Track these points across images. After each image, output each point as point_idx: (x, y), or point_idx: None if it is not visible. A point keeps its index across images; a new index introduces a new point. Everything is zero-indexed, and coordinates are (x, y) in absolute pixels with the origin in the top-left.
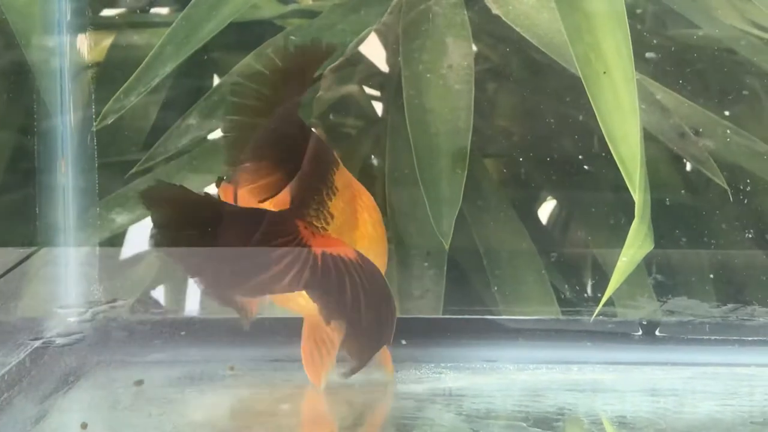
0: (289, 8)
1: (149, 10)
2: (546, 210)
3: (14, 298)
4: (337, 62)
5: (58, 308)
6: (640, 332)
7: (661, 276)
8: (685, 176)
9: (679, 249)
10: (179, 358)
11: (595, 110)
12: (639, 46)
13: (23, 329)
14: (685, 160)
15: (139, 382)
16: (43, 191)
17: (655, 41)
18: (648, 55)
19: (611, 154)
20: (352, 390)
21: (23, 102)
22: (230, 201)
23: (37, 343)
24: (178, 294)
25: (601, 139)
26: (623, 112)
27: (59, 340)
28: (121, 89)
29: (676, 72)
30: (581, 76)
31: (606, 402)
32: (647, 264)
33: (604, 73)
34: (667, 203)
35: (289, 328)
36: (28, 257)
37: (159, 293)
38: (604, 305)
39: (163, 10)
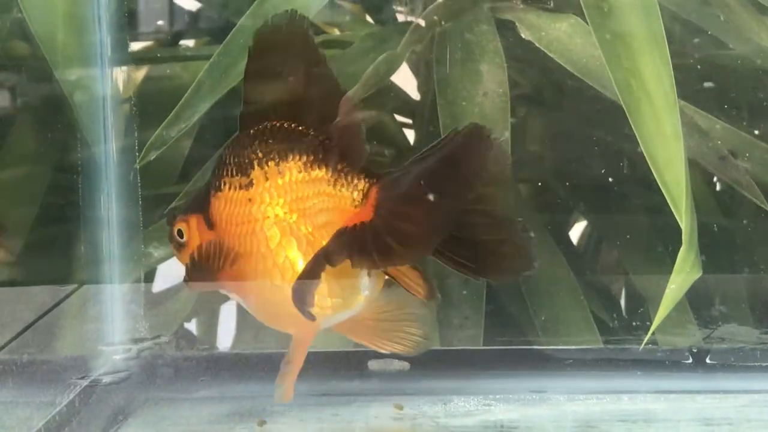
0: (321, 38)
1: (177, 42)
2: (576, 233)
3: (60, 337)
4: (354, 89)
5: (103, 346)
6: (690, 360)
7: (711, 303)
8: (718, 199)
9: (722, 274)
10: (226, 394)
11: (637, 136)
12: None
13: (70, 368)
14: (715, 182)
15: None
16: (87, 226)
17: (686, 62)
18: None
19: (643, 177)
20: (402, 422)
21: (60, 137)
22: (202, 232)
23: (85, 383)
24: (211, 328)
25: (632, 161)
26: (666, 137)
27: (106, 379)
28: (162, 125)
29: (709, 93)
30: (622, 102)
31: None
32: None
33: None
34: (712, 228)
35: (334, 362)
36: (70, 294)
37: (199, 328)
38: (640, 333)
39: (189, 42)
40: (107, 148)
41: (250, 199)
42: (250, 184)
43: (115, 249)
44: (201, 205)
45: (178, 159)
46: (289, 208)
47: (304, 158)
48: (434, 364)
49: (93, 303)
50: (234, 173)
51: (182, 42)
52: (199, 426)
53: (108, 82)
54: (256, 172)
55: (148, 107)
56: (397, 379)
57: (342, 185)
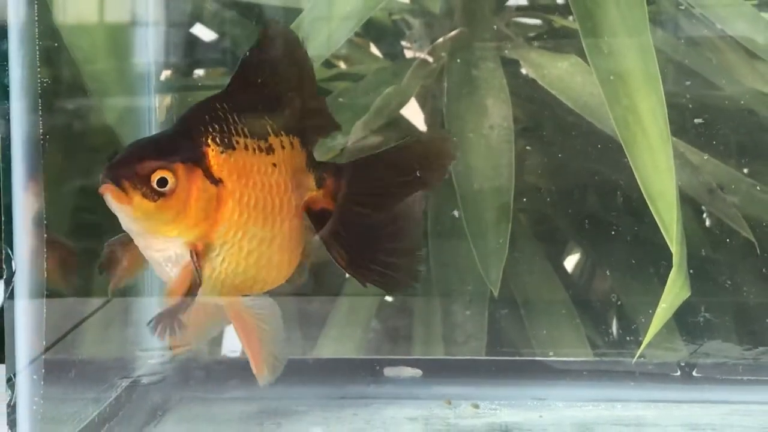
0: (334, 71)
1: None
2: (571, 262)
3: (103, 342)
4: (364, 118)
5: (140, 351)
6: (679, 373)
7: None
8: (706, 231)
9: (710, 297)
10: (254, 395)
11: (633, 168)
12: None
13: (113, 369)
14: (704, 216)
15: None
16: None
17: (679, 101)
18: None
19: (635, 210)
20: (416, 423)
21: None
22: (199, 185)
23: (127, 382)
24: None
25: (626, 194)
26: (660, 170)
27: (145, 379)
28: None
29: (700, 131)
30: (619, 137)
31: None
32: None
33: None
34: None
35: (352, 368)
36: (106, 303)
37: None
38: (632, 348)
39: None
40: None
41: (274, 164)
42: (271, 149)
43: None
44: (188, 156)
45: None
46: (293, 180)
47: (298, 135)
48: (444, 372)
49: (131, 311)
50: (250, 134)
51: (195, 71)
52: (229, 423)
53: (153, 109)
54: (273, 139)
55: None
56: (409, 385)
57: (311, 166)
